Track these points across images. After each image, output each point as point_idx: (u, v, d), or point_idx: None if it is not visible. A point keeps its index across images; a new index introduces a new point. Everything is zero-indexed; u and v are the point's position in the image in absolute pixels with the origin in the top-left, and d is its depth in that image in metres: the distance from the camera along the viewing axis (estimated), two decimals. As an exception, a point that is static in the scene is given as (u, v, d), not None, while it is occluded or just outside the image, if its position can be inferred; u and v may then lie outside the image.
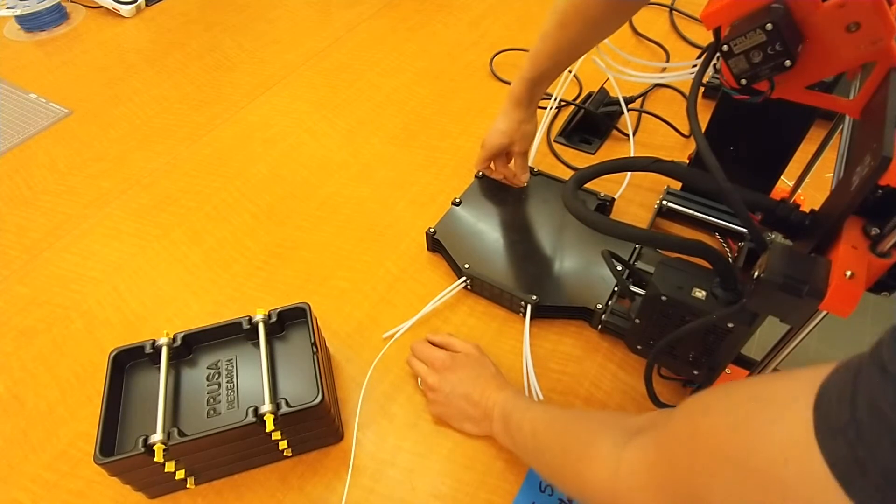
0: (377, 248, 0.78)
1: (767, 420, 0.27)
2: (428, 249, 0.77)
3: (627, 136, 0.90)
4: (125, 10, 1.23)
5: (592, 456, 0.41)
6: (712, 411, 0.32)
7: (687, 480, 0.32)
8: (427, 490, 0.56)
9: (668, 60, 1.04)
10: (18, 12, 1.18)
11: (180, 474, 0.52)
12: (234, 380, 0.57)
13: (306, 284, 0.74)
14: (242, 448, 0.54)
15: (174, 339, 0.57)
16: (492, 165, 0.81)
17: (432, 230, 0.74)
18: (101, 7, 1.26)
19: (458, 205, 0.77)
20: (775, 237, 0.61)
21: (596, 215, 0.51)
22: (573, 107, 0.94)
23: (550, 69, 0.68)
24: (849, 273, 0.38)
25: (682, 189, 0.76)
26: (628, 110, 0.87)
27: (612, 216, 0.78)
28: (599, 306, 0.65)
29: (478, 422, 0.57)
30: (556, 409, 0.55)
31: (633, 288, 0.63)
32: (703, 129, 0.60)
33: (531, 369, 0.63)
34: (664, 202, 0.75)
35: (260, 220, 0.82)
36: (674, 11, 1.14)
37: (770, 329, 0.49)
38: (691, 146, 0.89)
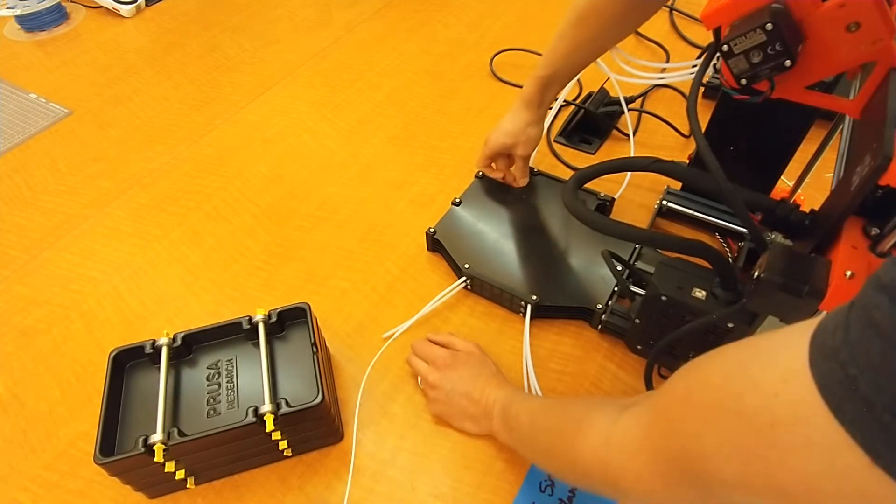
0: (377, 248, 0.78)
1: (761, 365, 0.26)
2: (428, 249, 0.77)
3: (627, 136, 0.90)
4: (125, 10, 1.23)
5: (586, 425, 0.41)
6: (706, 368, 0.31)
7: (677, 434, 0.31)
8: (427, 490, 0.56)
9: (668, 60, 1.04)
10: (18, 12, 1.18)
11: (180, 474, 0.52)
12: (234, 380, 0.57)
13: (306, 284, 0.74)
14: (242, 448, 0.54)
15: (174, 339, 0.57)
16: (493, 165, 0.81)
17: (432, 230, 0.74)
18: (101, 7, 1.26)
19: (458, 205, 0.77)
20: (775, 237, 0.61)
21: (596, 215, 0.51)
22: (573, 107, 0.94)
23: (564, 69, 0.68)
24: (849, 273, 0.38)
25: (682, 189, 0.76)
26: (628, 110, 0.87)
27: (612, 216, 0.78)
28: (599, 306, 0.65)
29: (478, 420, 0.58)
30: (553, 398, 0.55)
31: (633, 288, 0.63)
32: (703, 129, 0.60)
33: (531, 369, 0.63)
34: (664, 202, 0.75)
35: (260, 220, 0.82)
36: (674, 11, 1.14)
37: (770, 329, 0.49)
38: (691, 146, 0.89)
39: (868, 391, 0.21)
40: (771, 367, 0.26)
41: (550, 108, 0.85)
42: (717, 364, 0.31)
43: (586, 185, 0.60)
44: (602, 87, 0.95)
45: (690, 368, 0.33)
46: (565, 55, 0.66)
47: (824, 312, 0.25)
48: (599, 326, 0.67)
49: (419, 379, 0.62)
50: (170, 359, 0.56)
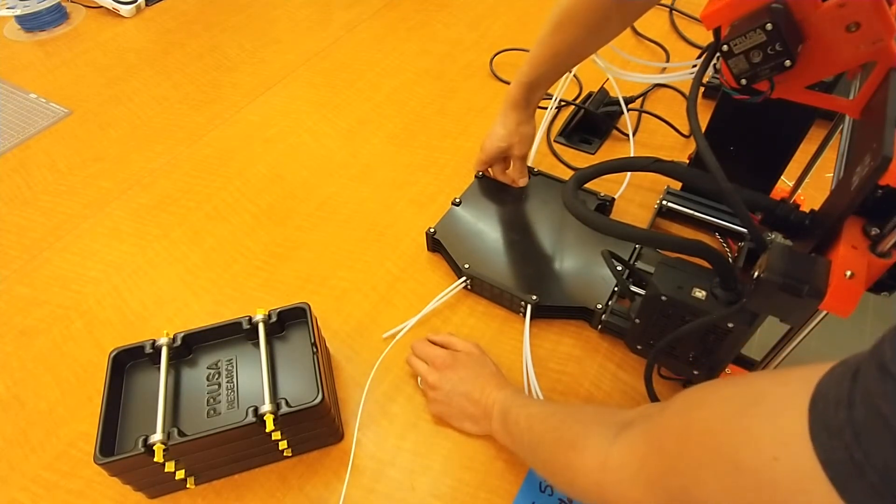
0: (377, 248, 0.78)
1: (760, 417, 0.27)
2: (428, 249, 0.76)
3: (627, 136, 0.90)
4: (125, 10, 1.23)
5: (582, 447, 0.41)
6: (705, 405, 0.32)
7: (677, 473, 0.32)
8: (427, 490, 0.56)
9: (668, 60, 1.04)
10: (18, 12, 1.18)
11: (180, 474, 0.52)
12: (234, 380, 0.57)
13: (306, 284, 0.74)
14: (242, 448, 0.54)
15: (174, 339, 0.57)
16: (490, 171, 0.81)
17: (432, 230, 0.74)
18: (101, 7, 1.26)
19: (458, 205, 0.77)
20: (775, 237, 0.61)
21: (596, 215, 0.51)
22: (573, 107, 0.94)
23: (547, 73, 0.68)
24: (849, 273, 0.38)
25: (682, 189, 0.76)
26: (628, 110, 0.87)
27: (612, 216, 0.78)
28: (599, 306, 0.65)
29: (477, 420, 0.57)
30: (553, 404, 0.55)
31: (633, 288, 0.63)
32: (703, 129, 0.60)
33: (531, 369, 0.63)
34: (664, 202, 0.75)
35: (260, 220, 0.82)
36: (674, 11, 1.14)
37: (770, 329, 0.49)
38: (691, 146, 0.88)
39: (876, 482, 0.21)
40: (769, 425, 0.26)
41: (545, 108, 0.86)
42: (714, 406, 0.31)
43: (586, 185, 0.60)
44: (602, 87, 0.95)
45: (686, 402, 0.33)
46: (546, 61, 0.66)
47: (822, 368, 0.25)
48: (599, 326, 0.67)
49: (419, 379, 0.62)
50: (170, 359, 0.56)
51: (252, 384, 0.56)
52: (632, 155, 0.87)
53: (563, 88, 0.80)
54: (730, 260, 0.73)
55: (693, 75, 0.49)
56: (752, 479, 0.26)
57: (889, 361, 0.21)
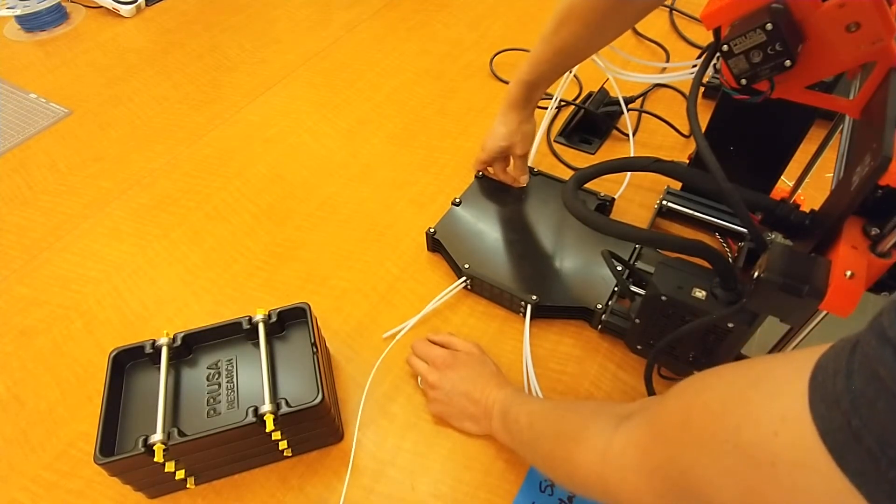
0: (377, 248, 0.78)
1: (761, 396, 0.26)
2: (428, 249, 0.77)
3: (627, 136, 0.90)
4: (125, 10, 1.23)
5: (583, 439, 0.41)
6: (705, 390, 0.31)
7: (676, 459, 0.31)
8: (427, 490, 0.56)
9: (668, 60, 1.04)
10: (18, 12, 1.18)
11: (180, 474, 0.52)
12: (234, 380, 0.57)
13: (306, 284, 0.74)
14: (242, 448, 0.54)
15: (174, 339, 0.57)
16: (489, 169, 0.81)
17: (432, 230, 0.74)
18: (101, 7, 1.26)
19: (458, 205, 0.77)
20: (775, 237, 0.61)
21: (596, 215, 0.51)
22: (573, 107, 0.94)
23: (548, 72, 0.68)
24: (849, 273, 0.38)
25: (682, 189, 0.76)
26: (628, 110, 0.87)
27: (612, 216, 0.78)
28: (599, 306, 0.65)
29: (478, 420, 0.57)
30: (552, 401, 0.55)
31: (633, 288, 0.63)
32: (703, 129, 0.60)
33: (531, 369, 0.63)
34: (664, 202, 0.75)
35: (260, 220, 0.82)
36: (674, 11, 1.14)
37: (770, 329, 0.49)
38: (691, 146, 0.88)
39: (873, 446, 0.21)
40: (769, 402, 0.26)
41: (545, 108, 0.86)
42: (715, 389, 0.30)
43: (586, 185, 0.60)
44: (602, 87, 0.95)
45: (688, 388, 0.33)
46: (547, 59, 0.66)
47: (824, 347, 0.25)
48: (599, 326, 0.67)
49: (419, 379, 0.62)
50: (170, 359, 0.56)
51: (252, 384, 0.56)
52: (632, 155, 0.87)
53: (562, 88, 0.80)
54: (730, 260, 0.73)
55: (693, 75, 0.49)
56: (750, 458, 0.25)
57: (888, 329, 0.21)
